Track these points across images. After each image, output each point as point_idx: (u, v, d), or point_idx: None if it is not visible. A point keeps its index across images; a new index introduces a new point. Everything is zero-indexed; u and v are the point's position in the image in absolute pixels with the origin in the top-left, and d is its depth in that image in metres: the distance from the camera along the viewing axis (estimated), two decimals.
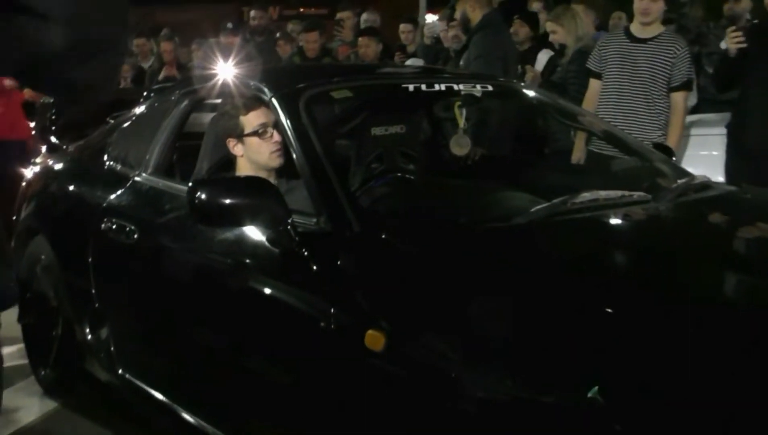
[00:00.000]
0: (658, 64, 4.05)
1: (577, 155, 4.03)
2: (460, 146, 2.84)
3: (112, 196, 2.89)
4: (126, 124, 3.21)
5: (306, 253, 2.01)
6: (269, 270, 2.15)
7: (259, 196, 2.04)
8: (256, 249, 2.17)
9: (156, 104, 3.11)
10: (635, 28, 4.15)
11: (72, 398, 3.27)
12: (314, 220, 2.08)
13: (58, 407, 3.26)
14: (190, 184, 2.08)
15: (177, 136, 2.89)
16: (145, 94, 3.38)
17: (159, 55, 7.03)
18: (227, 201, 2.02)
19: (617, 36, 4.32)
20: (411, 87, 2.62)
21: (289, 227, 2.03)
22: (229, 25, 6.92)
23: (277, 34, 6.77)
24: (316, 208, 2.10)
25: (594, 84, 4.23)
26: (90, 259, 2.89)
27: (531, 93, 3.10)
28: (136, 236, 2.66)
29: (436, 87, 2.70)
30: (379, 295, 1.86)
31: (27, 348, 3.48)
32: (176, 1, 14.34)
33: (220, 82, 2.75)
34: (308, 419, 1.97)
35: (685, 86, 4.12)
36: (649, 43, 4.10)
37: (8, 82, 5.96)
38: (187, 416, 2.44)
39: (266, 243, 2.10)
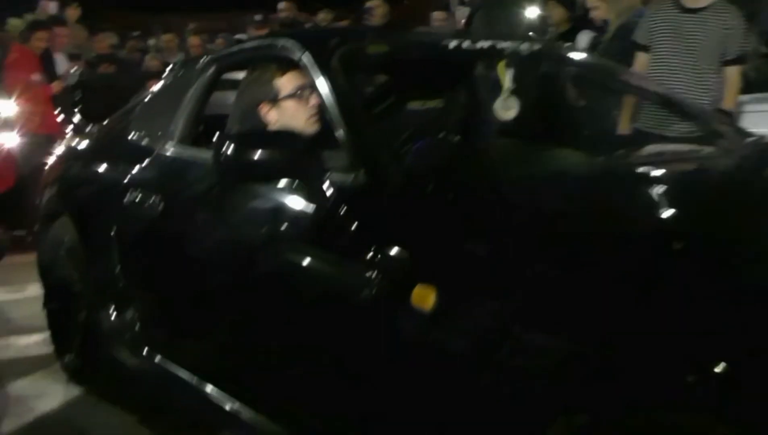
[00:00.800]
0: (710, 36, 3.82)
1: (624, 126, 3.81)
2: (506, 109, 2.63)
3: (136, 170, 2.73)
4: (149, 98, 3.06)
5: (343, 211, 1.83)
6: (303, 234, 1.97)
7: (291, 150, 1.87)
8: (288, 212, 1.99)
9: (180, 74, 2.95)
10: None
11: (96, 385, 3.12)
12: (351, 176, 1.90)
13: (81, 394, 3.11)
14: (216, 138, 1.90)
15: (204, 105, 2.72)
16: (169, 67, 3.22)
17: (187, 50, 6.94)
18: (257, 155, 1.85)
19: (666, 6, 4.08)
20: (451, 43, 2.44)
21: (324, 183, 1.85)
22: (258, 17, 6.81)
23: (308, 25, 6.64)
24: (353, 163, 1.91)
25: (641, 57, 4.01)
26: (113, 235, 2.74)
27: (580, 55, 2.90)
28: (161, 208, 2.50)
29: (479, 45, 2.51)
30: (425, 251, 1.67)
31: (52, 334, 3.35)
32: (194, 9, 14.18)
33: (248, 45, 2.59)
34: (352, 395, 1.79)
35: (740, 60, 3.89)
36: (701, 13, 3.87)
37: (35, 77, 5.91)
38: (217, 396, 2.26)
39: (299, 205, 1.93)
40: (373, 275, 1.67)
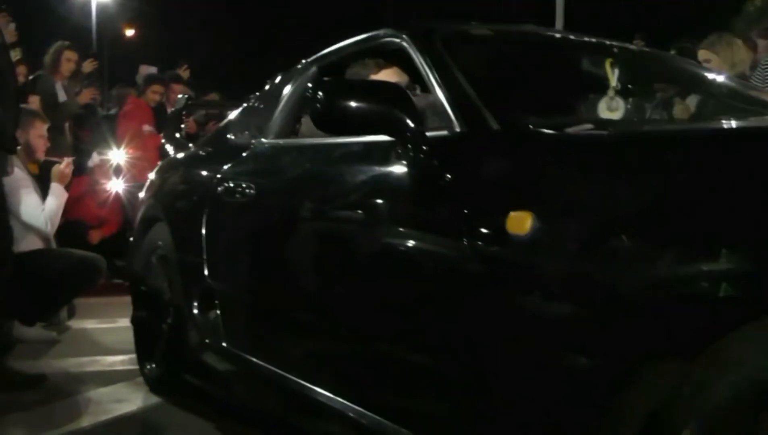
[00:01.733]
0: None
1: None
2: (611, 110, 2.50)
3: (230, 164, 2.72)
4: (248, 103, 3.09)
5: (437, 162, 1.73)
6: (404, 206, 1.85)
7: (390, 101, 1.80)
8: (388, 182, 1.89)
9: (279, 78, 2.97)
10: None
11: (176, 394, 3.04)
12: (446, 130, 1.81)
13: (160, 402, 3.04)
14: (310, 84, 1.85)
15: (303, 104, 2.71)
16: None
17: None
18: (354, 104, 1.78)
19: None
20: (558, 35, 2.36)
21: (419, 136, 1.76)
22: None
23: None
24: (446, 117, 1.82)
25: None
26: (204, 231, 2.71)
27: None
28: (252, 192, 2.46)
29: (585, 38, 2.42)
30: (523, 188, 1.53)
31: (136, 344, 3.32)
32: None
33: (348, 42, 2.59)
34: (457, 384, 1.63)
35: None
36: None
37: (147, 128, 6.16)
38: (307, 386, 2.09)
39: (399, 172, 1.83)
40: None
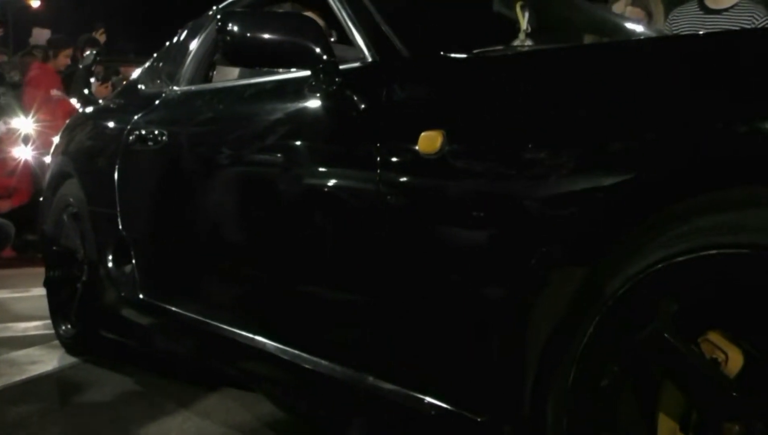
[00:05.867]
0: None
1: None
2: None
3: (141, 113, 2.65)
4: (156, 55, 3.01)
5: (350, 92, 1.72)
6: (315, 137, 1.83)
7: (301, 32, 1.78)
8: (299, 118, 1.88)
9: (190, 26, 2.90)
10: None
11: (92, 354, 2.98)
12: (358, 62, 1.81)
13: (77, 362, 2.97)
14: (218, 14, 1.81)
15: (215, 49, 2.66)
16: None
17: None
18: (266, 36, 1.76)
19: (689, 7, 4.02)
20: None
21: (332, 67, 1.75)
22: None
23: None
24: (360, 50, 1.82)
25: None
26: (116, 182, 2.64)
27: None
28: (164, 139, 2.41)
29: None
30: (433, 109, 1.55)
31: (50, 306, 3.22)
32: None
33: None
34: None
35: None
36: (724, 13, 3.80)
37: (55, 92, 5.95)
38: (226, 329, 2.09)
39: (306, 100, 1.82)
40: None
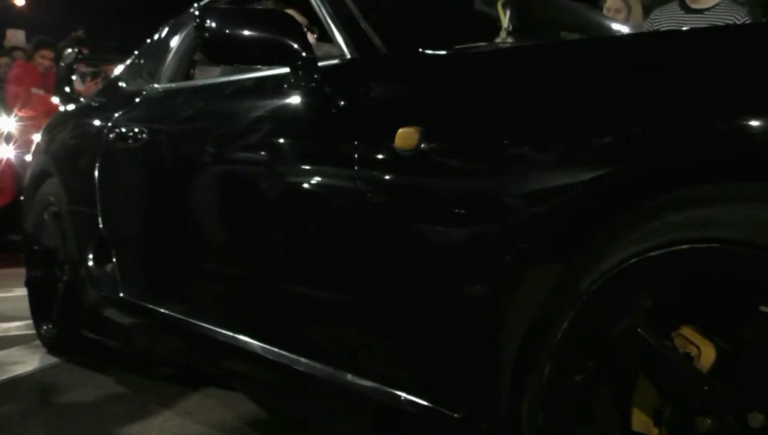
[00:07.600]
0: None
1: None
2: None
3: (122, 111, 2.64)
4: (137, 53, 3.00)
5: (329, 89, 1.72)
6: (295, 134, 1.82)
7: (280, 29, 1.77)
8: (279, 116, 1.88)
9: (171, 23, 2.89)
10: None
11: (73, 354, 2.96)
12: (338, 59, 1.81)
13: (58, 362, 2.95)
14: (197, 11, 1.80)
15: (194, 49, 2.65)
16: None
17: None
18: (245, 32, 1.75)
19: (670, 7, 4.04)
20: None
21: (311, 64, 1.75)
22: None
23: None
24: (338, 48, 1.82)
25: None
26: (96, 181, 2.63)
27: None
28: (144, 137, 2.39)
29: None
30: (411, 105, 1.55)
31: (31, 307, 3.20)
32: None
33: None
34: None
35: None
36: (705, 13, 3.81)
37: (36, 90, 5.92)
38: (208, 328, 2.07)
39: (286, 97, 1.82)
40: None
